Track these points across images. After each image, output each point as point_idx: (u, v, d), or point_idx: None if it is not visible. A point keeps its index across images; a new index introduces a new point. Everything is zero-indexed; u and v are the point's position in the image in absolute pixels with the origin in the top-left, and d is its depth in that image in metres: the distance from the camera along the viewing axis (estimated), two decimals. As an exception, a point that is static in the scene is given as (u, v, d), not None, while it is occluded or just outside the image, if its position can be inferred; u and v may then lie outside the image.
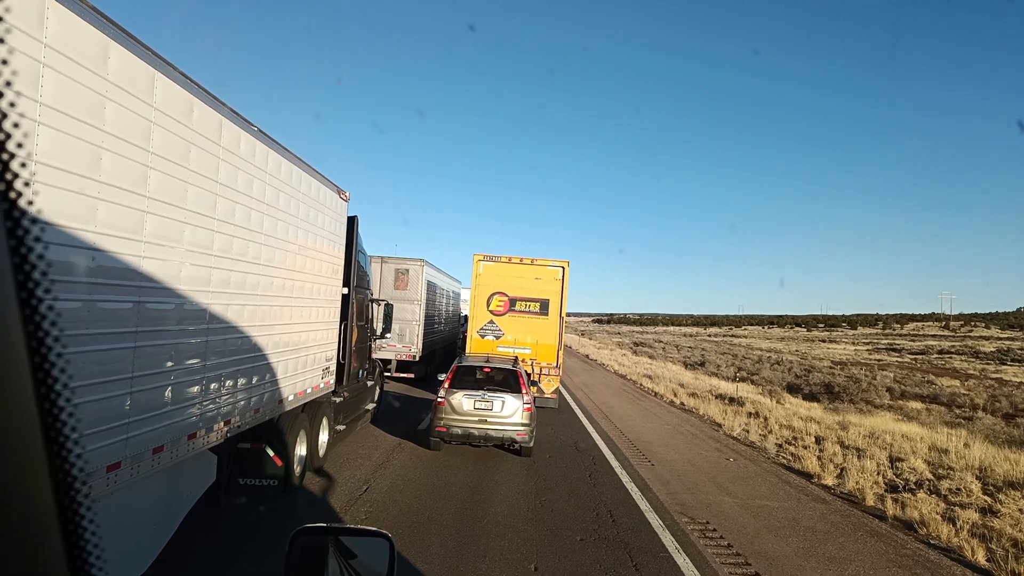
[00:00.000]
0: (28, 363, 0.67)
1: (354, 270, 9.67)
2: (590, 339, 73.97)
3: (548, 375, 15.31)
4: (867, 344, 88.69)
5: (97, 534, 0.76)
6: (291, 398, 7.26)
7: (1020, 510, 8.34)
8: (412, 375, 18.39)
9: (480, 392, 10.11)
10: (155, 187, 4.19)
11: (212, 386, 5.21)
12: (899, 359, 61.04)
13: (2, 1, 0.67)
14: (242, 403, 5.87)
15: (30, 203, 0.68)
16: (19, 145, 0.66)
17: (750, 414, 17.00)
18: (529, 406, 10.12)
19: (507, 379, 10.46)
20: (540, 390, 14.83)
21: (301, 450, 7.79)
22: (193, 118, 4.72)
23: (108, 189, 3.66)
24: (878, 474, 10.45)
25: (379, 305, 11.98)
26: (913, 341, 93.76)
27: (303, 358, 7.63)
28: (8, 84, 0.64)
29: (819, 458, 11.52)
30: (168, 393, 4.49)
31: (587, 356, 42.85)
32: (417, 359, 18.19)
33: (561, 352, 15.53)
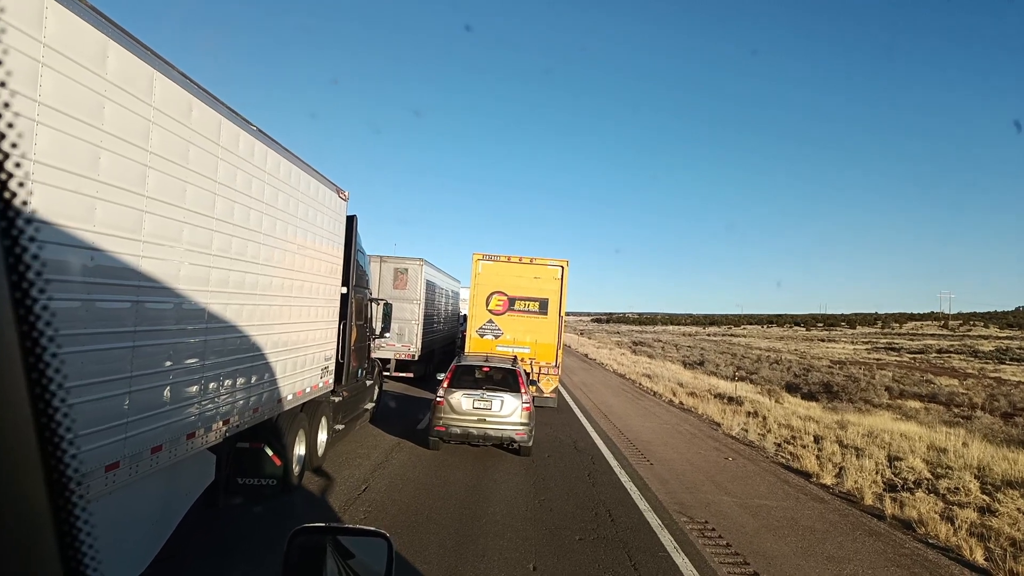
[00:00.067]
0: (22, 363, 0.66)
1: (353, 269, 9.66)
2: (589, 338, 73.98)
3: (547, 374, 15.31)
4: (866, 343, 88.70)
5: (92, 534, 0.76)
6: (290, 397, 7.26)
7: (1018, 509, 8.35)
8: (411, 374, 18.41)
9: (479, 391, 10.11)
10: (154, 186, 4.19)
11: (211, 385, 5.21)
12: (898, 358, 61.03)
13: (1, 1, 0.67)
14: (241, 402, 5.87)
15: (26, 203, 0.67)
16: (14, 145, 0.66)
17: (749, 413, 17.00)
18: (528, 405, 10.12)
19: (506, 378, 10.46)
20: (539, 389, 14.82)
21: (300, 449, 7.79)
22: (192, 117, 4.72)
23: (107, 188, 3.66)
24: (877, 473, 10.46)
25: (378, 304, 11.97)
26: (912, 340, 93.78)
27: (302, 357, 7.63)
28: (2, 84, 0.64)
29: (818, 457, 11.53)
30: (167, 392, 4.48)
31: (586, 355, 42.85)
32: (416, 358, 18.21)
33: (560, 351, 15.52)
